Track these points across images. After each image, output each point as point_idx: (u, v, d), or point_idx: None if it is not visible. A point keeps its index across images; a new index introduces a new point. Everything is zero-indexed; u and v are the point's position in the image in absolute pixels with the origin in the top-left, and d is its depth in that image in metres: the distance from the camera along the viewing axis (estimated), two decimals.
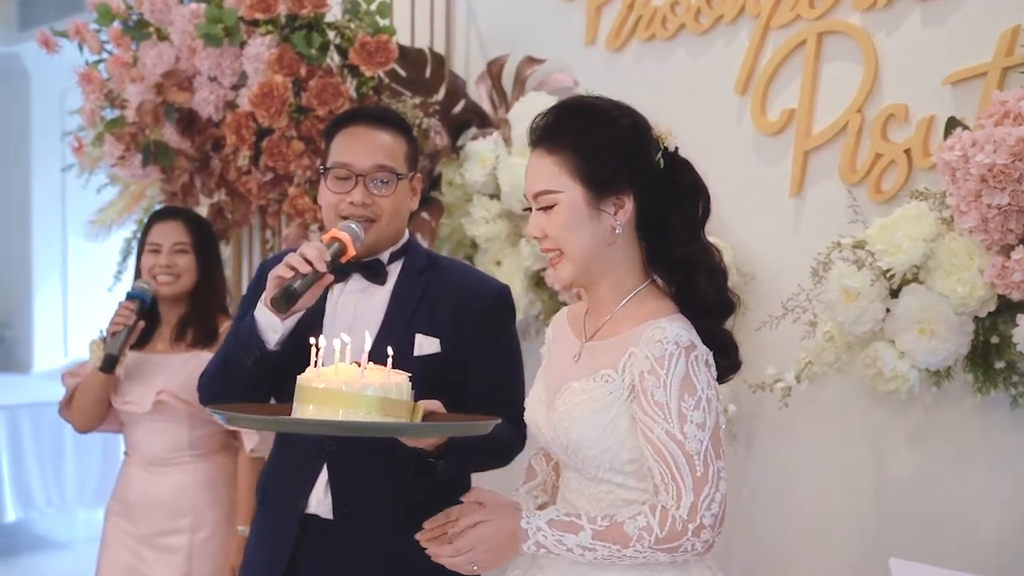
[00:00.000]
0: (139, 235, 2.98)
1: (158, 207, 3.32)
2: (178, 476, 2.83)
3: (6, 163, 7.52)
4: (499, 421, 1.72)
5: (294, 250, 1.92)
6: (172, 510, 2.82)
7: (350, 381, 1.55)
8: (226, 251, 3.56)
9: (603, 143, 1.68)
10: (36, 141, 7.28)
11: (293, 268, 1.82)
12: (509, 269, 2.86)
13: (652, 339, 1.64)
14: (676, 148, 1.74)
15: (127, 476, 2.90)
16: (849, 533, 2.49)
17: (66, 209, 7.30)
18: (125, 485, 2.90)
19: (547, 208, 1.70)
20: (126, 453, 2.94)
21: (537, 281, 2.89)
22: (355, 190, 2.01)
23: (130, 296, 2.76)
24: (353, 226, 1.94)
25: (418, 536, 1.75)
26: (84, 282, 7.10)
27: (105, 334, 2.79)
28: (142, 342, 2.86)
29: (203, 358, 2.79)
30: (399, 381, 1.60)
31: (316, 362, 1.62)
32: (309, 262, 1.82)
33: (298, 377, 1.64)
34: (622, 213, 1.70)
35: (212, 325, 2.89)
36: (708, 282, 1.72)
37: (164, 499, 2.83)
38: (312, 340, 1.65)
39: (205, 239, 2.91)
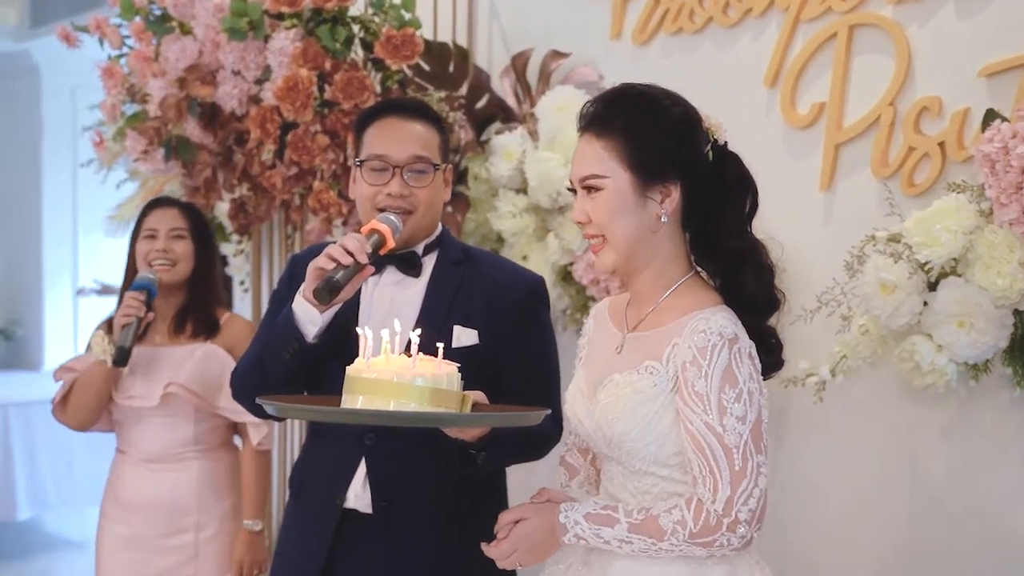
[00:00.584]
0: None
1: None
2: (181, 473, 2.77)
3: (17, 160, 7.53)
4: (549, 412, 1.72)
5: (330, 243, 1.91)
6: (176, 509, 2.76)
7: (401, 371, 1.54)
8: (247, 245, 3.56)
9: (653, 131, 1.67)
10: (47, 138, 7.30)
11: (334, 259, 1.81)
12: (536, 263, 2.85)
13: (696, 329, 1.64)
14: (726, 142, 1.74)
15: (123, 475, 2.81)
16: (881, 529, 2.48)
17: (77, 206, 7.32)
18: (122, 485, 2.81)
19: (593, 193, 1.69)
20: (120, 451, 2.84)
21: (564, 275, 2.88)
22: (392, 181, 2.00)
23: (136, 287, 2.68)
24: (392, 218, 1.93)
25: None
26: (95, 279, 7.10)
27: (103, 325, 2.72)
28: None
29: (208, 349, 2.77)
30: (449, 371, 1.60)
31: (365, 353, 1.61)
32: (350, 253, 1.81)
33: (347, 368, 1.63)
34: (668, 202, 1.69)
35: (212, 316, 2.83)
36: (756, 278, 1.71)
37: (166, 498, 2.76)
38: (360, 331, 1.64)
39: (202, 227, 2.86)
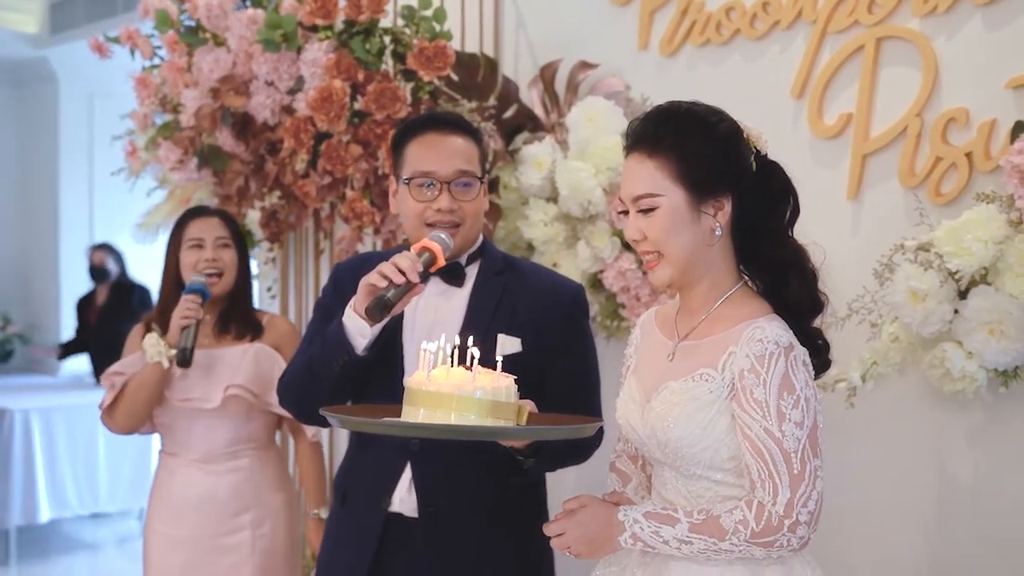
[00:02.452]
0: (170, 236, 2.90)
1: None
2: (237, 472, 2.80)
3: (34, 167, 7.58)
4: (602, 423, 1.76)
5: (379, 257, 1.95)
6: (234, 507, 2.79)
7: (462, 385, 1.59)
8: (278, 253, 3.61)
9: (703, 147, 1.72)
10: (64, 145, 7.35)
11: (386, 277, 1.85)
12: (566, 271, 2.88)
13: (753, 339, 1.68)
14: (767, 152, 1.78)
15: (175, 477, 2.81)
16: (910, 533, 2.51)
17: (93, 211, 7.37)
18: (174, 487, 2.81)
19: (647, 212, 1.74)
20: (170, 453, 2.84)
21: (594, 283, 2.92)
22: (440, 197, 2.05)
23: (191, 290, 2.71)
24: (443, 236, 1.96)
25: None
26: None
27: (142, 326, 2.74)
28: None
29: (259, 348, 2.81)
30: (507, 384, 1.64)
31: (424, 365, 1.65)
32: (402, 272, 1.85)
33: (407, 380, 1.67)
34: (721, 215, 1.74)
35: (254, 318, 2.89)
36: (800, 283, 1.76)
37: (224, 496, 2.78)
38: (424, 345, 1.69)
39: (240, 235, 2.91)
